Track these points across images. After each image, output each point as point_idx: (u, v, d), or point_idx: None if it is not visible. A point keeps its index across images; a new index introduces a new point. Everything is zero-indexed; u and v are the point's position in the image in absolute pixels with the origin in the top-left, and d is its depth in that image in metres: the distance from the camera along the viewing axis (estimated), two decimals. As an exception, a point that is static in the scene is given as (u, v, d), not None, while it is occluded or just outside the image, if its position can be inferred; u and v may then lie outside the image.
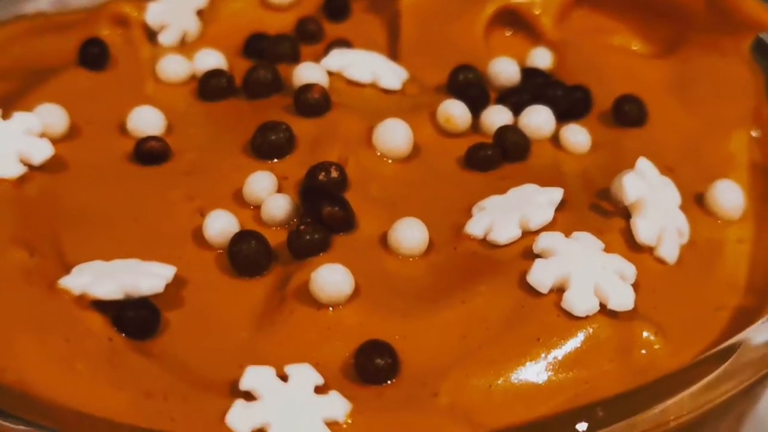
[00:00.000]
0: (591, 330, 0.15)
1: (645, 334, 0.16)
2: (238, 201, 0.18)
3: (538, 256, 0.16)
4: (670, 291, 0.17)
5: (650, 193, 0.17)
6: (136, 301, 0.15)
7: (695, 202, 0.18)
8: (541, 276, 0.16)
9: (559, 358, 0.15)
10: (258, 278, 0.16)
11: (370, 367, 0.15)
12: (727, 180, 0.18)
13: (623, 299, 0.16)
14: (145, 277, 0.16)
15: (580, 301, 0.15)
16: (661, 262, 0.17)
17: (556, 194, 0.17)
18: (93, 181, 0.18)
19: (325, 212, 0.17)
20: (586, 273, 0.16)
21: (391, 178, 0.18)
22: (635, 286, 0.16)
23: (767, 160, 0.20)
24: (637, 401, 0.14)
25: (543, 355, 0.15)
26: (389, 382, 0.15)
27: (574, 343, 0.15)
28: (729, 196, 0.18)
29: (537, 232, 0.16)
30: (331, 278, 0.15)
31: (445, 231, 0.17)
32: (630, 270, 0.16)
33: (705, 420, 0.15)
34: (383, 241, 0.17)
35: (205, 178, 0.18)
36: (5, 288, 0.15)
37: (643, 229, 0.17)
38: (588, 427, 0.13)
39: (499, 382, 0.15)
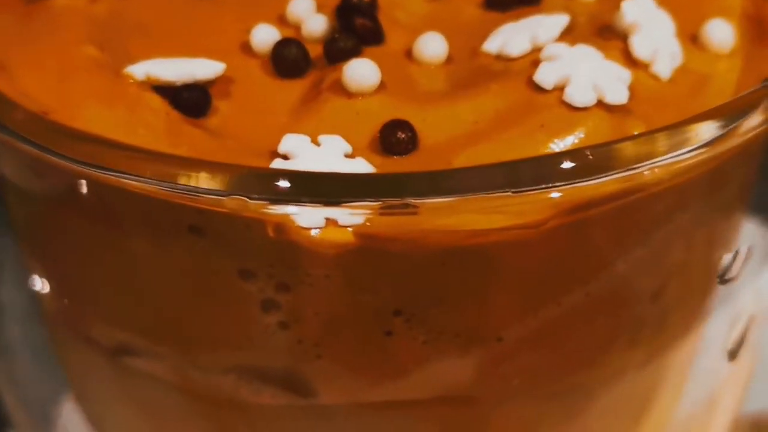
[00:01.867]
0: (588, 121, 0.17)
1: (636, 132, 0.18)
2: (282, 22, 0.20)
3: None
4: (661, 100, 0.19)
5: (647, 19, 0.19)
6: (191, 85, 0.18)
7: (689, 41, 0.21)
8: (545, 75, 0.18)
9: (560, 143, 0.17)
10: (297, 79, 0.19)
11: (392, 139, 0.17)
12: (720, 18, 0.21)
13: (618, 95, 0.18)
14: (199, 66, 0.18)
15: (579, 94, 0.17)
16: (654, 78, 0.19)
17: (562, 19, 0.19)
18: (154, 5, 0.20)
19: (358, 23, 0.19)
20: (586, 73, 0.18)
21: (417, 9, 0.21)
22: (630, 93, 0.18)
23: (758, 12, 0.22)
24: (621, 149, 0.16)
25: (545, 139, 0.17)
26: (409, 154, 0.17)
27: (573, 130, 0.17)
28: (720, 32, 0.20)
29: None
30: (361, 69, 0.18)
31: (463, 50, 0.19)
32: (626, 74, 0.18)
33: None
34: (408, 54, 0.19)
35: (252, 3, 0.20)
36: (76, 71, 0.18)
37: (639, 46, 0.19)
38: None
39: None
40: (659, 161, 0.15)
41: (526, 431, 0.19)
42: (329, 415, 0.18)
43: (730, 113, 0.16)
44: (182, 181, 0.15)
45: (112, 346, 0.18)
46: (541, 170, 0.15)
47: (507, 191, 0.15)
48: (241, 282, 0.16)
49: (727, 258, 0.18)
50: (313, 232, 0.15)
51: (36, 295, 0.20)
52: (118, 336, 0.18)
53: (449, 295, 0.16)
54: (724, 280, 0.18)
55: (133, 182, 0.15)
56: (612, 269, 0.17)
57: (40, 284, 0.19)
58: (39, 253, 0.19)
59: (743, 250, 0.19)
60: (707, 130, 0.16)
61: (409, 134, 0.17)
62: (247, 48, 0.19)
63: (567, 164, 0.15)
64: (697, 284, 0.19)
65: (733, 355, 0.20)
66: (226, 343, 0.17)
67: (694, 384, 0.21)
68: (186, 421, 0.19)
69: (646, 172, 0.16)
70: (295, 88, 0.18)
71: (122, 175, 0.15)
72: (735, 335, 0.20)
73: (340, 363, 0.17)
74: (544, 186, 0.15)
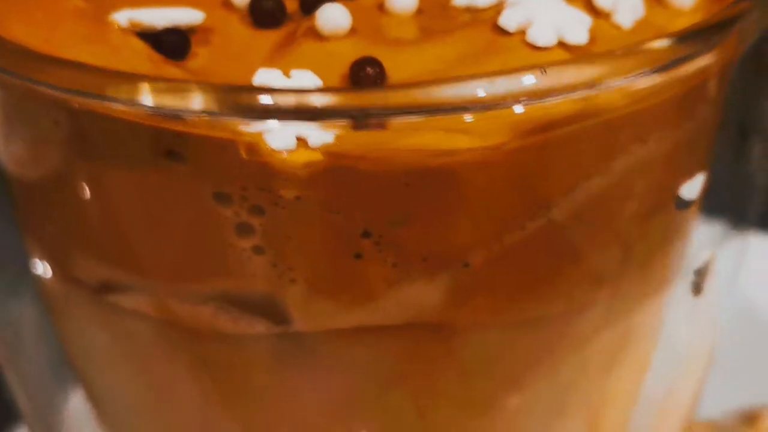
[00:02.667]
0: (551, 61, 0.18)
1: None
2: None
3: (509, 8, 0.19)
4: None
5: (609, -28, 0.20)
6: (172, 29, 0.19)
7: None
8: (508, 18, 0.19)
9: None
10: (274, 29, 0.20)
11: (361, 74, 0.18)
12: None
13: (579, 36, 0.18)
14: (179, 13, 0.19)
15: (541, 35, 0.18)
16: (616, 27, 0.20)
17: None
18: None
19: (332, -25, 0.20)
20: (548, 15, 0.19)
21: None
22: (591, 38, 0.19)
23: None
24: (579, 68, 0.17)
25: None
26: (377, 89, 0.18)
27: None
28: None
29: (509, -3, 0.20)
30: (333, 13, 0.19)
31: (434, 4, 0.20)
32: (587, 19, 0.19)
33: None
34: (380, 7, 0.20)
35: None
36: (63, 20, 0.19)
37: (601, -5, 0.20)
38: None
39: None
40: (616, 82, 0.16)
41: (495, 363, 0.19)
42: (304, 344, 0.18)
43: (689, 37, 0.17)
44: (160, 101, 0.15)
45: (95, 284, 0.19)
46: (501, 85, 0.15)
47: (470, 106, 0.15)
48: (217, 206, 0.17)
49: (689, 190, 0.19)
50: (284, 153, 0.16)
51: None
52: (100, 272, 0.19)
53: (415, 217, 0.17)
54: (683, 203, 0.19)
55: (115, 106, 0.16)
56: (573, 196, 0.17)
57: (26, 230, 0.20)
58: (22, 198, 0.20)
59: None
60: (666, 52, 0.17)
61: (377, 70, 0.18)
62: (227, 3, 0.20)
63: (527, 80, 0.16)
64: (659, 220, 0.19)
65: (697, 288, 0.21)
66: (205, 271, 0.18)
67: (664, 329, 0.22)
68: (167, 358, 0.19)
69: (603, 94, 0.16)
70: (272, 36, 0.19)
71: (102, 98, 0.16)
72: (698, 266, 0.21)
73: (313, 288, 0.17)
74: (503, 103, 0.16)
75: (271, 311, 0.18)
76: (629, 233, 0.19)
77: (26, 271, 0.21)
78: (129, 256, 0.18)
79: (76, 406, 0.25)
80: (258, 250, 0.17)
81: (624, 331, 0.21)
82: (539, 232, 0.18)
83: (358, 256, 0.17)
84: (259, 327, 0.18)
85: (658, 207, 0.19)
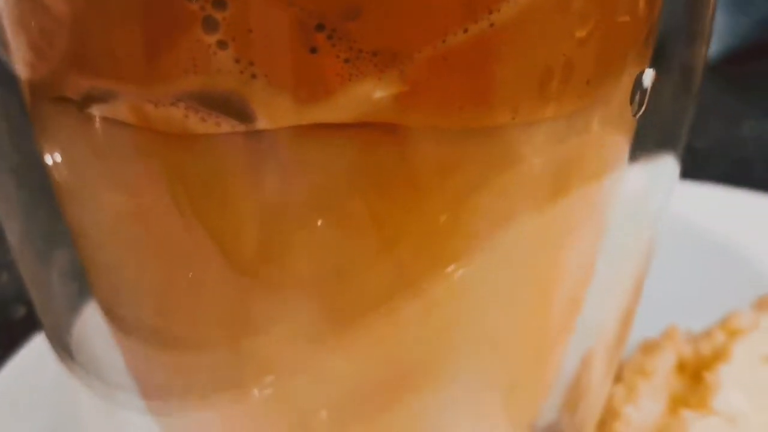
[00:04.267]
0: None
1: None
2: None
3: None
4: None
5: None
6: None
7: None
8: None
9: None
10: None
11: None
12: None
13: None
14: None
15: None
16: None
17: None
18: None
19: None
20: None
21: None
22: None
23: None
24: None
25: None
26: None
27: None
28: None
29: None
30: None
31: None
32: None
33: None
34: None
35: None
36: None
37: None
38: None
39: None
40: None
41: (447, 178, 0.21)
42: (268, 144, 0.20)
43: None
44: None
45: (80, 97, 0.21)
46: None
47: None
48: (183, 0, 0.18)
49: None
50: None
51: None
52: (84, 85, 0.21)
53: (365, 11, 0.18)
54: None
55: None
56: (514, 1, 0.19)
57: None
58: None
59: None
60: None
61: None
62: None
63: None
64: (602, 38, 0.21)
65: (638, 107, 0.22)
66: (174, 70, 0.19)
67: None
68: (145, 170, 0.21)
69: None
70: None
71: None
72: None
73: (273, 82, 0.19)
74: None
75: (236, 108, 0.19)
76: (571, 49, 0.20)
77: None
78: (108, 63, 0.20)
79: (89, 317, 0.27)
80: (222, 44, 0.19)
81: (576, 197, 0.23)
82: (482, 36, 0.19)
83: (313, 50, 0.19)
84: (226, 126, 0.20)
85: (599, 26, 0.21)
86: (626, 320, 0.29)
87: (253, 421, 0.26)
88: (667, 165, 0.27)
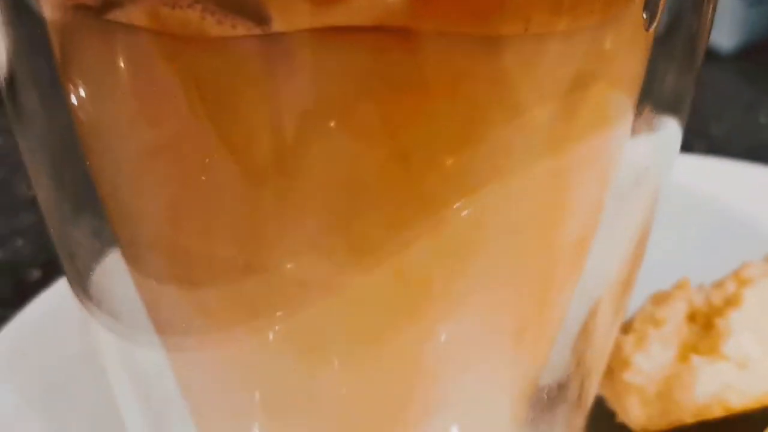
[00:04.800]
0: None
1: None
2: None
3: None
4: None
5: None
6: None
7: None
8: None
9: None
10: None
11: None
12: None
13: None
14: None
15: None
16: None
17: None
18: None
19: None
20: None
21: None
22: None
23: None
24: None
25: None
26: None
27: None
28: None
29: None
30: None
31: None
32: None
33: None
34: None
35: None
36: None
37: None
38: None
39: None
40: None
41: (458, 86, 0.21)
42: (283, 48, 0.20)
43: None
44: None
45: (98, 3, 0.21)
46: None
47: None
48: None
49: None
50: None
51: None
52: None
53: None
54: None
55: None
56: None
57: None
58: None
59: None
60: None
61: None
62: None
63: None
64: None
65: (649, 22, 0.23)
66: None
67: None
68: (161, 77, 0.21)
69: None
70: None
71: None
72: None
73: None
74: None
75: (252, 10, 0.20)
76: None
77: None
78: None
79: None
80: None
81: (586, 129, 0.23)
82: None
83: (328, -51, 0.19)
84: (242, 28, 0.20)
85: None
86: (632, 270, 0.29)
87: (268, 354, 0.26)
88: (671, 128, 0.28)
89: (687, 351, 0.30)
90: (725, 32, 0.74)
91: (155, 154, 0.23)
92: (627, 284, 0.29)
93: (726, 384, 0.30)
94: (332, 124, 0.21)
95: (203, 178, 0.22)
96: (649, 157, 0.28)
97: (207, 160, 0.22)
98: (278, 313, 0.25)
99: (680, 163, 0.44)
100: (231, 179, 0.22)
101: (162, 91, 0.22)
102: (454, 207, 0.23)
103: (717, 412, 0.30)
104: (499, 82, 0.21)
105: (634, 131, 0.26)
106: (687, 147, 0.49)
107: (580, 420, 0.31)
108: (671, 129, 0.28)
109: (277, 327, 0.25)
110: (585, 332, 0.29)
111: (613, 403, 0.33)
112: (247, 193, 0.22)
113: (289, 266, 0.23)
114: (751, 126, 0.68)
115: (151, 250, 0.26)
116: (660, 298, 0.32)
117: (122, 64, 0.22)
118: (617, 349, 0.32)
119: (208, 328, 0.27)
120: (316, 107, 0.21)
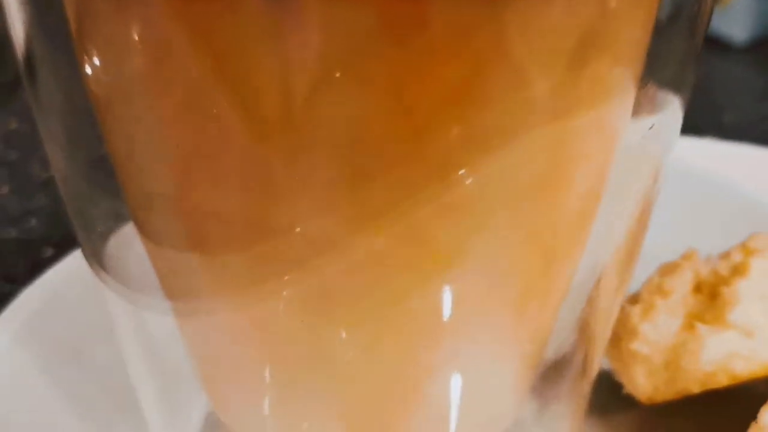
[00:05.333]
0: None
1: None
2: None
3: None
4: None
5: None
6: None
7: None
8: None
9: None
10: None
11: None
12: None
13: None
14: None
15: None
16: None
17: None
18: None
19: None
20: None
21: None
22: None
23: None
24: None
25: None
26: None
27: None
28: None
29: None
30: None
31: None
32: None
33: None
34: None
35: None
36: None
37: None
38: None
39: None
40: None
41: (463, 39, 0.21)
42: (290, 5, 0.20)
43: None
44: None
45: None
46: None
47: None
48: None
49: None
50: None
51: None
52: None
53: None
54: None
55: None
56: None
57: None
58: None
59: None
60: None
61: None
62: None
63: None
64: None
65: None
66: None
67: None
68: (173, 35, 0.22)
69: None
70: None
71: None
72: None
73: None
74: None
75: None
76: None
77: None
78: None
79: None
80: None
81: (588, 95, 0.23)
82: None
83: None
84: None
85: None
86: (636, 240, 0.30)
87: (277, 317, 0.27)
88: (674, 107, 0.28)
89: (693, 320, 0.30)
90: (738, 25, 0.74)
91: (168, 115, 0.24)
92: (631, 254, 0.29)
93: (732, 352, 0.30)
94: (339, 79, 0.21)
95: (214, 136, 0.23)
96: (652, 134, 0.28)
97: (217, 118, 0.22)
98: (288, 275, 0.25)
99: (693, 146, 0.45)
100: (241, 136, 0.22)
101: (173, 51, 0.22)
102: (461, 171, 0.23)
103: (723, 381, 0.30)
104: (504, 42, 0.21)
105: (638, 110, 0.27)
106: (699, 135, 0.50)
107: (585, 389, 0.32)
108: (673, 108, 0.28)
109: (287, 289, 0.26)
110: (589, 301, 0.30)
111: (619, 374, 0.33)
112: (256, 150, 0.22)
113: (298, 225, 0.24)
114: (763, 114, 0.68)
115: (164, 214, 0.26)
116: (667, 269, 0.33)
117: (134, 27, 0.22)
118: (624, 319, 0.33)
119: (218, 292, 0.27)
120: (323, 63, 0.21)
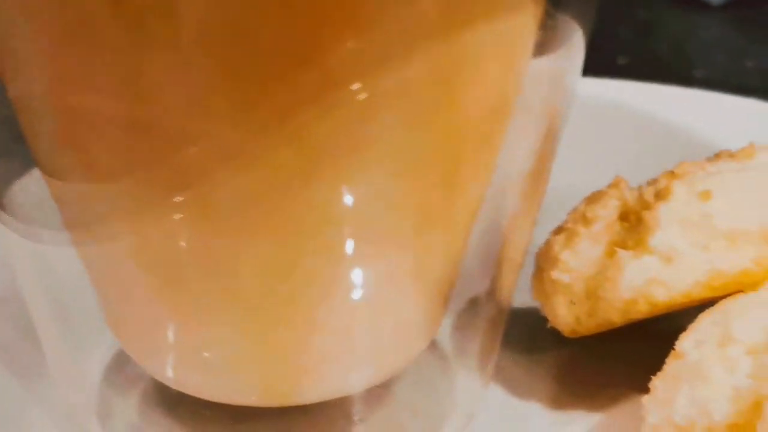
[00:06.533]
0: None
1: None
2: None
3: None
4: None
5: None
6: None
7: None
8: None
9: None
10: None
11: None
12: None
13: None
14: None
15: None
16: None
17: None
18: None
19: None
20: None
21: None
22: None
23: None
24: None
25: None
26: None
27: None
28: None
29: None
30: None
31: None
32: None
33: None
34: None
35: None
36: None
37: None
38: None
39: None
40: None
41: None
42: None
43: None
44: None
45: None
46: None
47: None
48: None
49: None
50: None
51: None
52: None
53: None
54: None
55: None
56: None
57: None
58: None
59: None
60: None
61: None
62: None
63: None
64: None
65: None
66: None
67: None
68: None
69: None
70: None
71: None
72: None
73: None
74: None
75: None
76: None
77: None
78: None
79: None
80: None
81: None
82: None
83: None
84: None
85: None
86: (543, 163, 0.28)
87: (167, 230, 0.26)
88: (576, 38, 0.27)
89: (615, 247, 0.29)
90: (715, -16, 0.73)
91: (37, 11, 0.22)
92: (537, 180, 0.28)
93: (651, 278, 0.29)
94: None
95: (85, 28, 0.21)
96: (556, 61, 0.27)
97: (88, 7, 0.21)
98: (180, 192, 0.24)
99: (638, 89, 0.44)
100: (109, 26, 0.21)
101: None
102: (354, 86, 0.22)
103: (643, 309, 0.29)
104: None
105: (541, 41, 0.26)
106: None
107: (500, 319, 0.30)
108: (576, 37, 0.27)
109: (180, 207, 0.25)
110: (498, 229, 0.28)
111: (543, 308, 0.31)
112: (125, 38, 0.21)
113: (174, 122, 0.23)
114: (736, 71, 0.67)
115: (50, 137, 0.25)
116: (593, 198, 0.31)
117: None
118: (547, 248, 0.31)
119: (114, 217, 0.26)
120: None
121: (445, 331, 0.32)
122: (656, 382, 0.27)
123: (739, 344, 0.27)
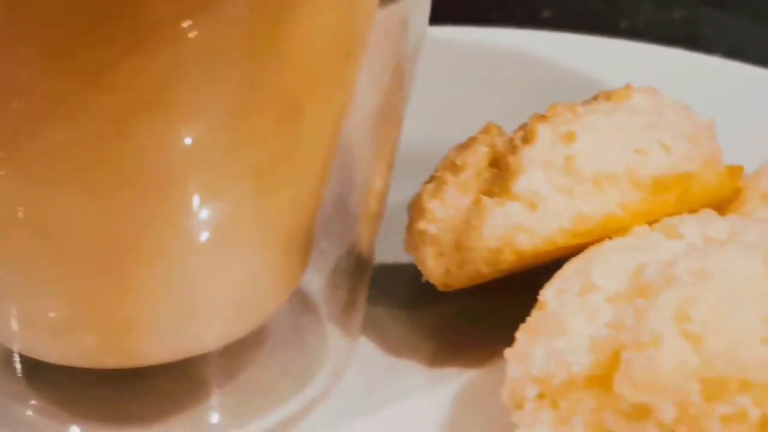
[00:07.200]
0: None
1: None
2: None
3: None
4: None
5: None
6: None
7: None
8: None
9: None
10: None
11: None
12: None
13: None
14: None
15: None
16: None
17: None
18: None
19: None
20: None
21: None
22: None
23: None
24: None
25: None
26: None
27: None
28: None
29: None
30: None
31: None
32: None
33: None
34: None
35: None
36: None
37: None
38: None
39: None
40: None
41: None
42: None
43: None
44: None
45: None
46: None
47: None
48: None
49: None
50: None
51: None
52: None
53: None
54: None
55: None
56: None
57: None
58: None
59: None
60: None
61: None
62: None
63: None
64: None
65: None
66: None
67: None
68: None
69: None
70: None
71: None
72: None
73: None
74: None
75: None
76: None
77: None
78: None
79: None
80: None
81: None
82: None
83: None
84: None
85: None
86: (392, 104, 0.27)
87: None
88: None
89: (482, 195, 0.28)
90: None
91: None
92: (387, 122, 0.27)
93: (515, 225, 0.27)
94: None
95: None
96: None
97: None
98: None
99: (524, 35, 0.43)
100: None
101: None
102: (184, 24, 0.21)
103: (510, 258, 0.28)
104: None
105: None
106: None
107: (363, 271, 0.29)
108: None
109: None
110: (351, 176, 0.27)
111: (415, 259, 0.30)
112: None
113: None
114: (663, 21, 0.66)
115: None
116: (464, 146, 0.30)
117: None
118: (417, 199, 0.30)
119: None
120: None
121: (314, 286, 0.31)
122: (518, 334, 0.26)
123: (600, 291, 0.25)
